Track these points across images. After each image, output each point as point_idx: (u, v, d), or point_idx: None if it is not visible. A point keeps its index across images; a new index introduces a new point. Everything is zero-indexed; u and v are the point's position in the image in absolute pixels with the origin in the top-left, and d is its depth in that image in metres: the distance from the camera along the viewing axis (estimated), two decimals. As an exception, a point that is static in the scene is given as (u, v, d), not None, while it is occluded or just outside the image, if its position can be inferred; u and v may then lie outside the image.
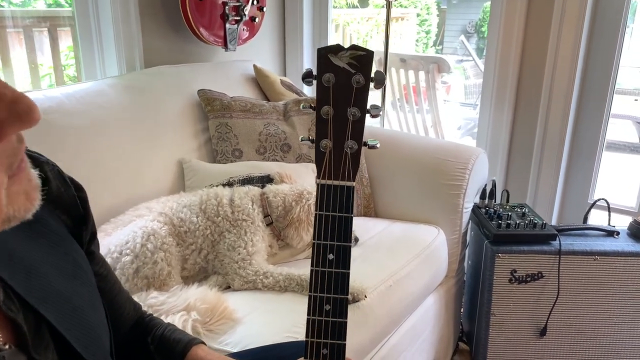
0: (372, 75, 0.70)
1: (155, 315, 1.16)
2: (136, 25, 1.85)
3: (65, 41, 2.09)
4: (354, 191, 0.69)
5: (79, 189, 0.67)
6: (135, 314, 0.80)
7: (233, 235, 1.33)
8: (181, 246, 1.32)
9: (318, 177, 0.69)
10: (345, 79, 0.69)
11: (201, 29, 1.89)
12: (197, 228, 1.33)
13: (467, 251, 1.83)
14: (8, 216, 0.41)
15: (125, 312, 0.78)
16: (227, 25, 1.98)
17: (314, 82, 0.71)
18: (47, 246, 0.58)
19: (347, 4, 5.80)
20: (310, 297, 0.69)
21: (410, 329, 1.48)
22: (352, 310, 1.21)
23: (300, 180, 1.55)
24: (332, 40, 2.62)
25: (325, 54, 0.69)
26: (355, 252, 1.47)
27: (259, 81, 2.02)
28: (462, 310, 1.90)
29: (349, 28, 5.21)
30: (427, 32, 7.45)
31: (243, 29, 2.07)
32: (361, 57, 0.69)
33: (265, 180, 1.56)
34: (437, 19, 7.78)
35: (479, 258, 1.68)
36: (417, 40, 7.03)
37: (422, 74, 2.80)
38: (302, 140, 0.71)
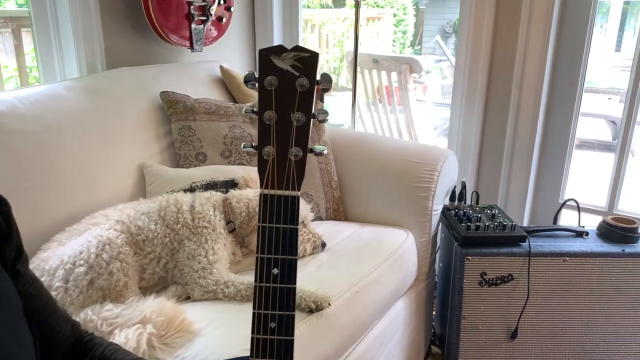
0: (318, 78, 0.67)
1: (110, 328, 1.12)
2: (97, 25, 1.79)
3: (28, 40, 2.02)
4: (299, 201, 0.66)
5: (0, 203, 0.62)
6: (73, 335, 0.76)
7: (193, 244, 1.29)
8: (139, 255, 1.27)
9: (261, 186, 0.65)
10: (289, 82, 0.65)
11: (165, 29, 1.83)
12: (156, 236, 1.28)
13: (437, 254, 1.81)
14: None
15: (61, 333, 0.73)
16: (193, 26, 1.93)
17: (257, 85, 0.67)
18: None
19: (320, 4, 5.77)
20: (254, 314, 0.65)
21: (379, 335, 1.45)
22: (316, 319, 1.18)
23: (266, 184, 1.51)
24: (304, 40, 2.59)
25: (267, 56, 0.65)
26: (322, 257, 1.44)
27: (226, 82, 1.97)
28: (433, 312, 1.88)
29: (324, 28, 5.18)
30: (404, 32, 7.46)
31: (210, 29, 2.02)
32: (305, 58, 0.65)
33: (229, 185, 1.52)
34: (414, 19, 7.79)
35: (449, 260, 1.66)
36: (393, 41, 7.04)
37: (394, 75, 2.78)
38: (244, 147, 0.67)
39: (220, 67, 1.98)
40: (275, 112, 0.65)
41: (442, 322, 1.78)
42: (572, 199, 1.81)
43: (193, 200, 1.36)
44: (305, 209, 1.48)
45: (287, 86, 0.65)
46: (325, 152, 0.69)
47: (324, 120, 0.68)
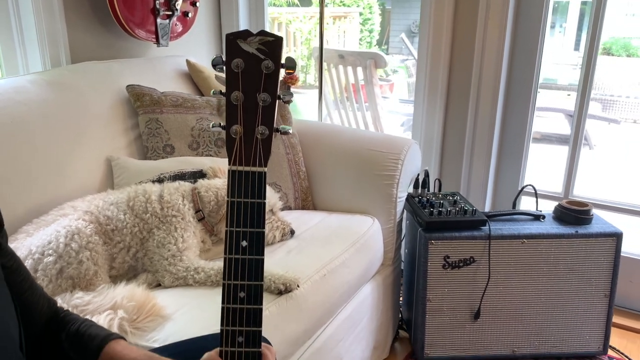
0: (283, 61, 0.70)
1: (80, 315, 1.13)
2: (60, 19, 1.78)
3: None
4: (266, 177, 0.69)
5: None
6: (49, 311, 0.77)
7: (162, 232, 1.31)
8: (108, 245, 1.28)
9: (229, 163, 0.69)
10: (255, 65, 0.69)
11: (130, 24, 1.83)
12: (125, 226, 1.29)
13: (403, 242, 1.87)
14: None
15: (38, 308, 0.75)
16: (159, 20, 1.94)
17: (224, 68, 0.70)
18: None
19: (287, 2, 5.79)
20: (224, 285, 0.68)
21: (347, 317, 1.49)
22: (285, 300, 1.21)
23: (234, 174, 1.53)
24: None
25: (234, 40, 0.69)
26: (290, 244, 1.48)
27: (193, 76, 1.99)
28: (401, 299, 1.94)
29: (291, 26, 5.21)
30: (370, 31, 7.55)
31: (176, 24, 2.03)
32: (270, 42, 0.69)
33: (197, 175, 1.54)
34: (380, 18, 7.90)
35: (414, 245, 1.72)
36: (360, 39, 7.12)
37: (360, 70, 2.84)
38: (212, 127, 0.70)
39: (187, 61, 1.99)
40: (242, 93, 0.68)
41: (409, 307, 1.84)
42: (530, 185, 1.90)
43: (162, 190, 1.37)
44: (274, 198, 1.51)
45: (253, 68, 0.68)
46: (290, 131, 0.73)
47: (288, 101, 0.72)
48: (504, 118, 2.16)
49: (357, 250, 1.51)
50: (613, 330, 1.93)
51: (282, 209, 1.63)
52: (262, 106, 0.69)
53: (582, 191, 2.20)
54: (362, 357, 1.64)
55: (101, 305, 1.13)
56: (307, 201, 1.79)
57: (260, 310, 0.69)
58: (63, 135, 1.50)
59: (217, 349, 0.69)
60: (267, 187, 1.55)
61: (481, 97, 2.09)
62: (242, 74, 0.68)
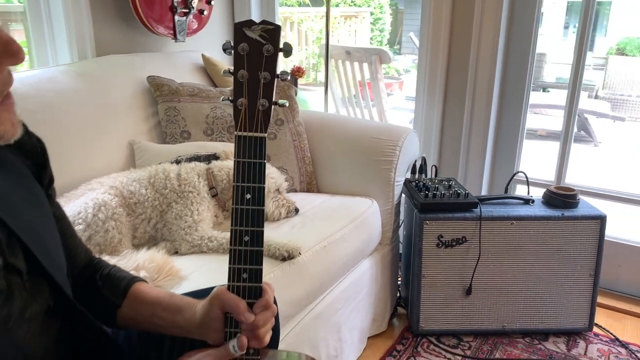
0: (281, 45, 0.85)
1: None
2: (87, 17, 1.94)
3: (18, 38, 2.16)
4: (266, 141, 0.83)
5: (39, 140, 0.79)
6: (86, 257, 0.92)
7: (180, 206, 1.46)
8: (131, 216, 1.43)
9: (235, 129, 0.83)
10: (257, 48, 0.83)
11: (150, 20, 1.99)
12: (146, 199, 1.45)
13: (402, 226, 2.00)
14: None
15: (77, 254, 0.90)
16: (176, 17, 2.10)
17: (232, 51, 0.84)
18: (13, 180, 0.70)
19: (298, 2, 5.94)
20: (232, 230, 0.82)
21: (346, 288, 1.63)
22: (288, 266, 1.36)
23: (245, 157, 1.68)
24: (284, 37, 2.76)
25: (241, 28, 0.83)
26: (295, 220, 1.62)
27: (208, 69, 2.14)
28: (399, 279, 2.07)
29: (303, 25, 5.36)
30: (381, 31, 7.68)
31: (192, 21, 2.18)
32: (271, 30, 0.83)
33: (211, 158, 1.68)
34: (391, 18, 8.02)
35: (411, 226, 1.85)
36: (371, 39, 7.25)
37: (366, 66, 2.97)
38: (222, 100, 0.85)
39: (202, 55, 2.15)
40: (246, 71, 0.82)
41: (407, 285, 1.97)
42: (521, 172, 2.02)
43: (179, 169, 1.52)
44: (280, 179, 1.65)
45: (256, 51, 0.83)
46: (287, 104, 0.87)
47: (285, 79, 0.86)
48: (500, 110, 2.28)
49: (356, 226, 1.64)
50: (601, 310, 2.05)
51: (288, 191, 1.77)
52: (263, 83, 0.83)
53: (573, 180, 2.31)
54: (361, 327, 1.77)
55: (125, 267, 1.27)
56: (311, 185, 1.93)
57: (261, 252, 0.83)
58: (90, 121, 1.66)
59: (226, 284, 0.84)
60: (275, 169, 1.70)
61: (477, 91, 2.21)
62: (247, 56, 0.83)
